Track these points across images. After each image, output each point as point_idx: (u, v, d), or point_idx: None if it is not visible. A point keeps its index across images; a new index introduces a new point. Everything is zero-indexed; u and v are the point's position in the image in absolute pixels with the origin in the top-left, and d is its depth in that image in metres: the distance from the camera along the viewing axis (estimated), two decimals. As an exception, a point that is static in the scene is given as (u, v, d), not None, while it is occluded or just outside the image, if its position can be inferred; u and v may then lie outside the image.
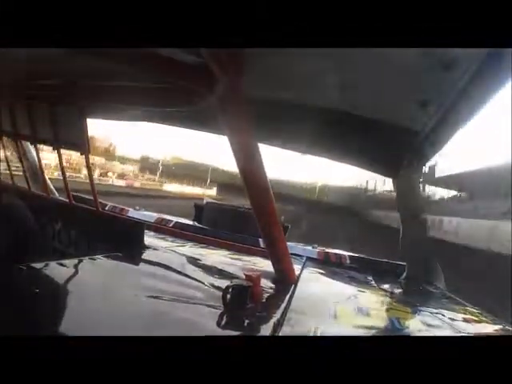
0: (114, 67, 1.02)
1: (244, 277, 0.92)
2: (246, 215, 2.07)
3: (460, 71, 0.84)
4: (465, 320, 1.03)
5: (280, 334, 0.73)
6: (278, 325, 0.77)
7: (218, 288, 0.94)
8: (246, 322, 0.80)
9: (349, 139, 1.34)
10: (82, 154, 1.57)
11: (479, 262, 6.17)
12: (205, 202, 2.56)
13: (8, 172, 2.00)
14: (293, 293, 1.03)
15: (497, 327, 0.98)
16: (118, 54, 0.86)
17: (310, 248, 1.83)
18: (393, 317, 0.96)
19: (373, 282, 1.43)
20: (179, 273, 1.10)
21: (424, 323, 0.92)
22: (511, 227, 7.24)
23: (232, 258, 1.44)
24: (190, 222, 2.15)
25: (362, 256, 1.79)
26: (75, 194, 1.94)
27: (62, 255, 1.54)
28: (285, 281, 1.11)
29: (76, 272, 0.96)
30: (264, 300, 0.93)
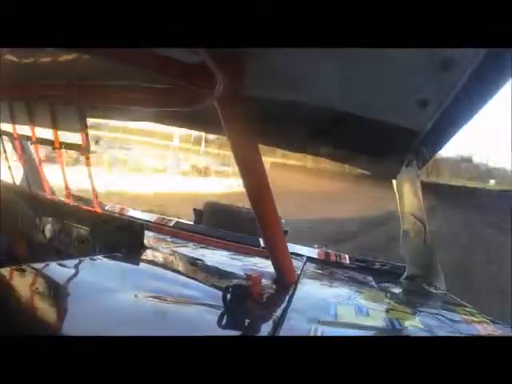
0: (114, 67, 1.02)
1: (244, 277, 0.92)
2: (246, 215, 2.07)
3: (460, 71, 0.84)
4: (465, 321, 1.02)
5: (280, 334, 0.73)
6: (278, 325, 0.77)
7: (218, 288, 0.93)
8: (246, 322, 0.80)
9: (348, 139, 1.34)
10: (82, 155, 1.58)
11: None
12: (205, 202, 2.56)
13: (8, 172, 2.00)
14: (293, 293, 1.03)
15: (497, 327, 0.98)
16: (118, 54, 0.86)
17: (310, 248, 1.83)
18: (393, 317, 0.96)
19: (373, 283, 1.43)
20: (179, 273, 1.10)
21: (424, 324, 0.92)
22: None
23: (232, 258, 1.44)
24: (191, 222, 2.15)
25: (361, 256, 1.79)
26: (75, 193, 1.94)
27: (62, 255, 1.54)
28: (285, 281, 1.11)
29: (76, 272, 0.96)
30: (264, 300, 0.93)
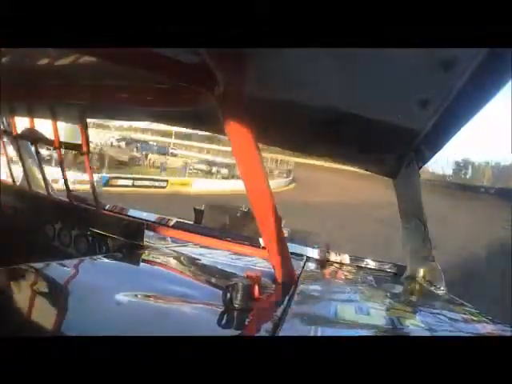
0: (114, 67, 1.02)
1: (244, 276, 0.92)
2: (246, 215, 2.07)
3: (460, 71, 0.84)
4: (465, 320, 1.03)
5: (280, 334, 0.73)
6: (278, 325, 0.77)
7: (218, 287, 0.94)
8: (246, 321, 0.80)
9: (349, 139, 1.34)
10: (82, 155, 1.58)
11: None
12: (205, 202, 2.56)
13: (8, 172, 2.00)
14: (293, 293, 1.03)
15: (496, 327, 0.98)
16: (118, 54, 0.86)
17: (310, 248, 1.83)
18: (393, 316, 0.96)
19: (373, 282, 1.43)
20: (179, 272, 1.10)
21: (424, 323, 0.92)
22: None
23: (232, 258, 1.45)
24: (191, 222, 2.15)
25: (362, 256, 1.79)
26: (75, 193, 1.94)
27: (62, 255, 1.54)
28: (285, 281, 1.11)
29: (76, 272, 0.96)
30: (264, 300, 0.93)
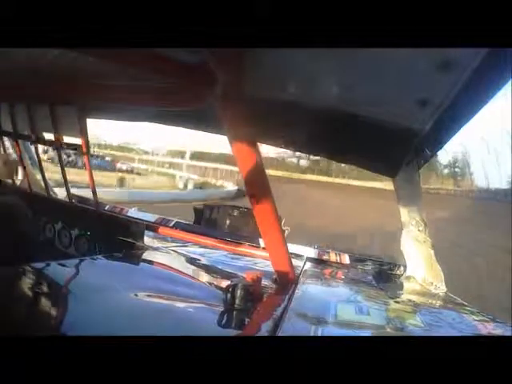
0: (114, 67, 1.02)
1: (244, 276, 0.92)
2: (245, 215, 2.07)
3: (460, 71, 0.84)
4: (465, 320, 1.03)
5: (280, 334, 0.73)
6: (278, 325, 0.77)
7: (218, 287, 0.94)
8: (246, 321, 0.80)
9: (348, 139, 1.34)
10: (82, 154, 1.58)
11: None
12: (204, 203, 2.56)
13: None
14: (293, 292, 1.03)
15: (498, 326, 0.98)
16: (118, 54, 0.86)
17: (310, 248, 1.83)
18: (393, 316, 0.96)
19: (373, 282, 1.43)
20: (179, 272, 1.10)
21: (424, 323, 0.92)
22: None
23: (232, 258, 1.45)
24: (191, 222, 2.15)
25: (361, 256, 1.79)
26: (75, 193, 1.95)
27: (62, 255, 1.54)
28: (285, 280, 1.11)
29: (76, 272, 0.96)
30: (264, 300, 0.93)
